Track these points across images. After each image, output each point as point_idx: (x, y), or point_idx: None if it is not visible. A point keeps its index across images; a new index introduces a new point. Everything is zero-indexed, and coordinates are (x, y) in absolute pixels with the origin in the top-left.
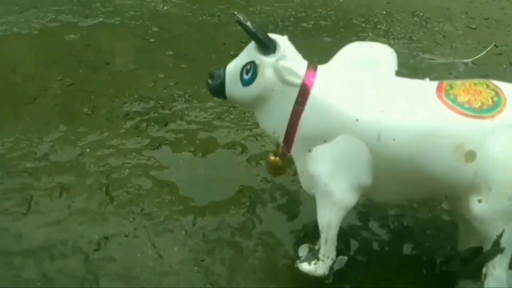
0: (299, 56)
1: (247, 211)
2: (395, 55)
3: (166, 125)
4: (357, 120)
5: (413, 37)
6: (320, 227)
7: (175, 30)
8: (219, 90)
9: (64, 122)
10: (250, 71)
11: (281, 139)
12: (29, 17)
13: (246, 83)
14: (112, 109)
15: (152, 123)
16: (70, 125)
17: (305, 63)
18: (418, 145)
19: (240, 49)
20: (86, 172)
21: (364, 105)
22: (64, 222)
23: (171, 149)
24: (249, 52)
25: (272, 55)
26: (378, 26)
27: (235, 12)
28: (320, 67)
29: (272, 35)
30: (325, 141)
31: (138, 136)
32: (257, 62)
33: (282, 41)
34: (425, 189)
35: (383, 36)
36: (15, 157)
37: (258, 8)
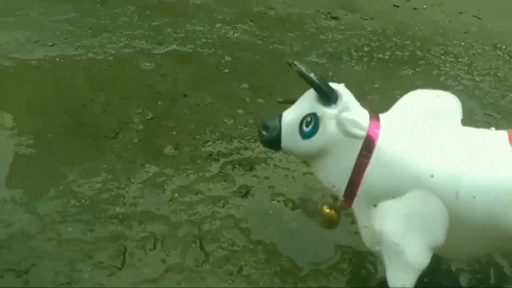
0: (359, 105)
1: (350, 278)
2: (460, 104)
3: (251, 169)
4: (432, 176)
5: (498, 74)
6: None
7: (247, 59)
8: (274, 143)
9: (149, 161)
10: (311, 124)
11: (341, 193)
12: (103, 42)
13: (306, 135)
14: (195, 147)
15: (237, 166)
16: (155, 164)
17: (366, 113)
18: (499, 203)
19: None
20: (177, 221)
21: (438, 159)
22: (161, 280)
23: (259, 197)
24: (309, 103)
25: (334, 106)
26: (459, 60)
27: (295, 62)
28: (383, 117)
29: (334, 85)
30: (394, 197)
31: (224, 181)
32: (318, 114)
33: (342, 90)
34: (496, 246)
35: (467, 72)
36: (104, 200)
37: (330, 37)
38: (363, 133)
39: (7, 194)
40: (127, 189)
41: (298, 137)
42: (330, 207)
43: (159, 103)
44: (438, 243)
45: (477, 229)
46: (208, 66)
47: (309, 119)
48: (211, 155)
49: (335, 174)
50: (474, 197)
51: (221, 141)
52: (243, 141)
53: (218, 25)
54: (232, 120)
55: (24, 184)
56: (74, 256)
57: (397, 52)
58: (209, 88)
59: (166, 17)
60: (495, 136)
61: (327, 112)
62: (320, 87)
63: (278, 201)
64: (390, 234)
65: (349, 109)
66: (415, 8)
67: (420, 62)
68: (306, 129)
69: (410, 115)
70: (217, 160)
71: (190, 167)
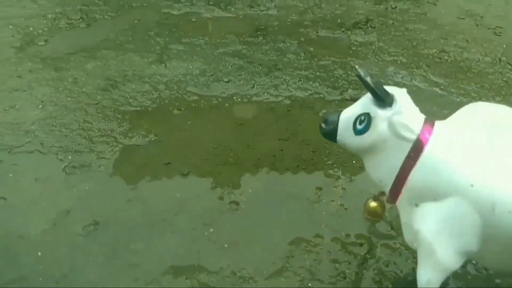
0: (417, 109)
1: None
2: None
3: None
4: (472, 186)
5: None
6: (419, 285)
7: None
8: (331, 135)
9: None
10: (364, 122)
11: (387, 189)
12: (276, 82)
13: (358, 132)
14: None
15: None
16: None
17: (422, 117)
18: None
19: None
20: None
21: (480, 170)
22: None
23: None
24: (365, 103)
25: (388, 109)
26: None
27: (356, 66)
28: (438, 123)
29: (391, 88)
30: (434, 200)
31: None
32: (372, 114)
33: (400, 94)
34: None
35: None
36: None
37: None
38: (413, 136)
39: None
40: None
41: (352, 133)
42: (376, 200)
43: None
44: (470, 249)
45: None
46: None
47: (363, 117)
48: None
49: (383, 170)
50: (510, 212)
51: None
52: None
53: (390, 68)
54: None
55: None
56: None
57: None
58: None
59: (333, 56)
60: None
61: (380, 113)
62: (374, 90)
63: None
64: (425, 233)
65: (402, 113)
66: None
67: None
68: (359, 126)
69: (465, 125)
70: None
71: None
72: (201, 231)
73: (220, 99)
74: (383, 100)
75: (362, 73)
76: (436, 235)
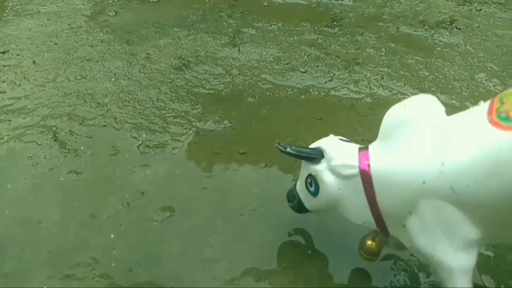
0: (348, 144)
1: None
2: (434, 98)
3: None
4: (424, 183)
5: None
6: None
7: None
8: (301, 208)
9: None
10: (312, 183)
11: (374, 226)
12: (356, 77)
13: (313, 194)
14: None
15: None
16: None
17: (355, 148)
18: (492, 181)
19: None
20: None
21: (423, 164)
22: None
23: None
24: (304, 167)
25: (322, 160)
26: None
27: (276, 144)
28: (370, 146)
29: (316, 143)
30: (410, 212)
31: None
32: (313, 173)
33: (325, 142)
34: None
35: None
36: None
37: None
38: (355, 170)
39: None
40: None
41: (311, 197)
42: (373, 239)
43: None
44: (472, 237)
45: (502, 207)
46: None
47: (309, 180)
48: None
49: (358, 212)
50: (467, 186)
51: None
52: None
53: (481, 74)
54: None
55: None
56: None
57: None
58: None
59: (416, 55)
60: (477, 113)
61: (318, 169)
62: (300, 156)
63: None
64: (421, 249)
65: (334, 157)
66: None
67: None
68: (311, 189)
69: (392, 133)
70: None
71: None
72: (282, 232)
73: (295, 90)
74: (313, 158)
75: (281, 148)
76: (431, 245)
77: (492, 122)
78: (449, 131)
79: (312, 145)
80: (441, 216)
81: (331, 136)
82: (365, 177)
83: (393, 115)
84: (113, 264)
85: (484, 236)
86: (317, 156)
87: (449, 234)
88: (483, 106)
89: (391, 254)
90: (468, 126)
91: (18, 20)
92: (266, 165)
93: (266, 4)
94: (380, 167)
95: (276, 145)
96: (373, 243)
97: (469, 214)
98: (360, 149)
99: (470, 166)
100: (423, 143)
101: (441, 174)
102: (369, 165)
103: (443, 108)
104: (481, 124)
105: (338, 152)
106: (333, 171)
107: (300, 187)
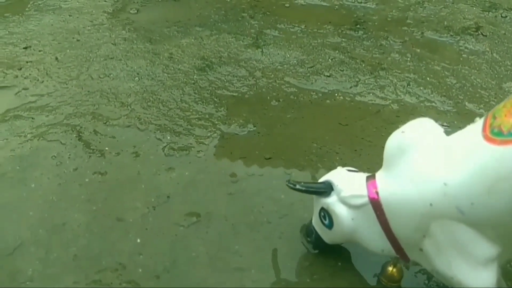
0: (356, 174)
1: None
2: (431, 120)
3: None
4: (431, 205)
5: None
6: None
7: None
8: (319, 243)
9: None
10: (326, 216)
11: (393, 253)
12: (382, 83)
13: (329, 226)
14: None
15: None
16: None
17: (363, 177)
18: (496, 197)
19: None
20: None
21: (428, 186)
22: None
23: None
24: (317, 202)
25: (332, 193)
26: None
27: (286, 182)
28: (377, 174)
29: (324, 177)
30: (424, 236)
31: None
32: (325, 207)
33: (333, 175)
34: None
35: None
36: None
37: None
38: (365, 199)
39: None
40: None
41: (327, 230)
42: (395, 265)
43: None
44: (490, 254)
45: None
46: None
47: (322, 214)
48: None
49: (375, 241)
50: (472, 204)
51: None
52: None
53: (508, 83)
54: None
55: None
56: None
57: None
58: None
59: (442, 62)
60: (473, 131)
61: (329, 202)
62: (309, 191)
63: None
64: (440, 271)
65: (343, 189)
66: None
67: None
68: (325, 222)
69: (392, 160)
70: None
71: None
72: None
73: (320, 94)
74: (323, 191)
75: (291, 185)
76: (449, 267)
77: (486, 138)
78: (449, 151)
79: (321, 179)
80: (453, 237)
81: (339, 168)
82: (376, 205)
83: (393, 142)
84: (140, 270)
85: (505, 250)
86: (327, 189)
87: (464, 254)
88: (478, 122)
89: (423, 269)
90: (465, 144)
91: (40, 16)
92: (292, 172)
93: (288, 5)
94: (388, 193)
95: (286, 183)
96: (394, 270)
97: (482, 231)
98: (367, 178)
99: (470, 185)
100: (426, 166)
101: (446, 195)
102: (377, 193)
103: (441, 129)
104: (477, 141)
105: (346, 183)
106: (344, 202)
107: (315, 221)
